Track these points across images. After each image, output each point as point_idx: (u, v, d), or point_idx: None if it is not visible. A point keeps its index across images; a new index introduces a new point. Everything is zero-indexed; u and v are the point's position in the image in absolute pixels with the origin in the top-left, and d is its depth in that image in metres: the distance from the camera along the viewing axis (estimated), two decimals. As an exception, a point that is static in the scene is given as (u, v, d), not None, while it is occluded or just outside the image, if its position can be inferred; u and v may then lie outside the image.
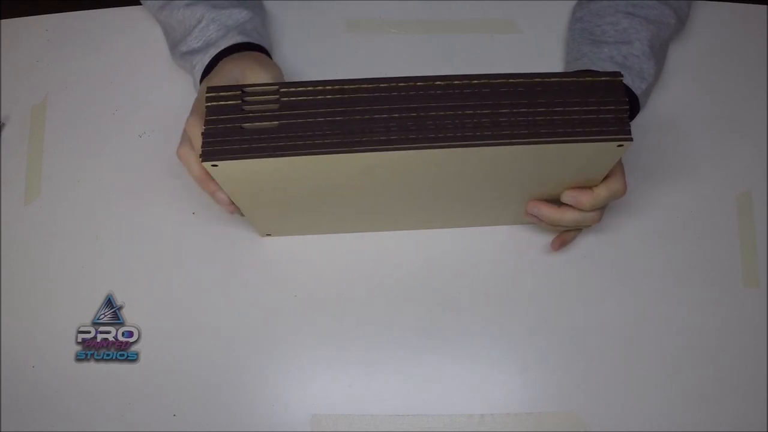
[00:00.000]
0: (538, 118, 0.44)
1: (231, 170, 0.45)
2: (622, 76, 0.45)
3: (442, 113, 0.44)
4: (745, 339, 0.58)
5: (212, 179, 0.50)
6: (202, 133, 0.44)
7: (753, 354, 0.58)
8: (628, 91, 0.56)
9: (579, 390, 0.57)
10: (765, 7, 0.69)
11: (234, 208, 0.54)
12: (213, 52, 0.56)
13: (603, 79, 0.45)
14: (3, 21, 0.69)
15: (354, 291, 0.60)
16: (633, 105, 0.57)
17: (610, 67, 0.57)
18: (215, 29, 0.58)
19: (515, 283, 0.60)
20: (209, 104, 0.45)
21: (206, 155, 0.43)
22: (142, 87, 0.66)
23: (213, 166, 0.44)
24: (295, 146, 0.43)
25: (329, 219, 0.58)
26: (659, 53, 0.60)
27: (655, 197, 0.62)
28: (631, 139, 0.44)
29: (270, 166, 0.44)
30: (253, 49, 0.57)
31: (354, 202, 0.53)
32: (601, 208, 0.54)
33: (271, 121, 0.44)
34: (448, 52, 0.67)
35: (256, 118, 0.44)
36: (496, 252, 0.61)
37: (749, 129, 0.65)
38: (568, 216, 0.53)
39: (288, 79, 0.53)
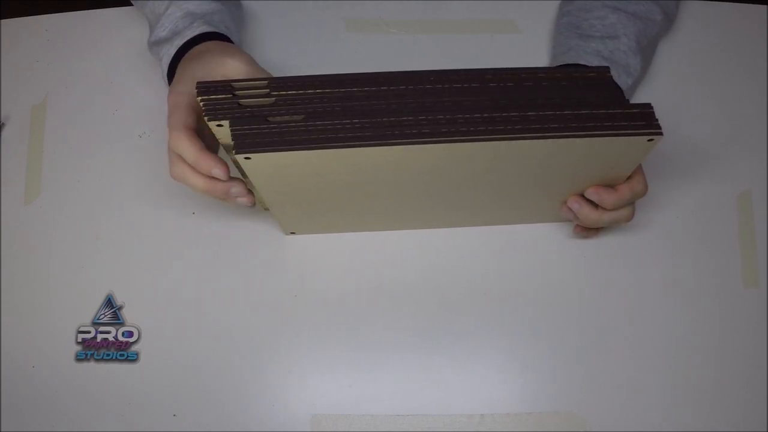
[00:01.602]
0: (566, 112, 0.44)
1: (263, 163, 0.45)
2: (609, 71, 0.46)
3: (452, 108, 0.44)
4: (745, 339, 0.58)
5: (218, 181, 0.49)
6: (231, 127, 0.44)
7: (753, 354, 0.58)
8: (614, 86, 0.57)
9: (579, 390, 0.57)
10: (765, 7, 0.69)
11: (253, 198, 0.52)
12: (178, 42, 0.55)
13: (590, 75, 0.45)
14: (3, 21, 0.69)
15: (354, 291, 0.60)
16: None
17: (596, 61, 0.57)
18: (181, 17, 0.57)
19: (515, 283, 0.60)
20: (203, 99, 0.45)
21: (239, 147, 0.43)
22: (142, 87, 0.66)
23: (246, 158, 0.44)
24: (327, 139, 0.43)
25: (354, 217, 0.58)
26: (646, 50, 0.61)
27: (655, 197, 0.62)
28: (661, 134, 0.44)
29: (302, 159, 0.44)
30: (220, 39, 0.56)
31: (381, 198, 0.53)
32: (632, 207, 0.54)
33: (297, 114, 0.44)
34: (448, 52, 0.67)
35: (274, 112, 0.44)
36: (496, 252, 0.61)
37: (749, 129, 0.65)
38: (605, 217, 0.54)
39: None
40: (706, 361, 0.57)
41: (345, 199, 0.53)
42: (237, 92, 0.45)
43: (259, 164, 0.45)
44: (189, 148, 0.48)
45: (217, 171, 0.48)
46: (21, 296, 0.60)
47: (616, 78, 0.57)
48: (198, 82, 0.45)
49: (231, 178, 0.49)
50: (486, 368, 0.58)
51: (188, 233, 0.61)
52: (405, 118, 0.44)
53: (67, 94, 0.67)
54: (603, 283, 0.60)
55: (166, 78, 0.57)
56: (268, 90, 0.45)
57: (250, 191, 0.51)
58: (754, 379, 0.57)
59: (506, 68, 0.45)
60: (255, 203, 0.52)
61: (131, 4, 0.66)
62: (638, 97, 0.64)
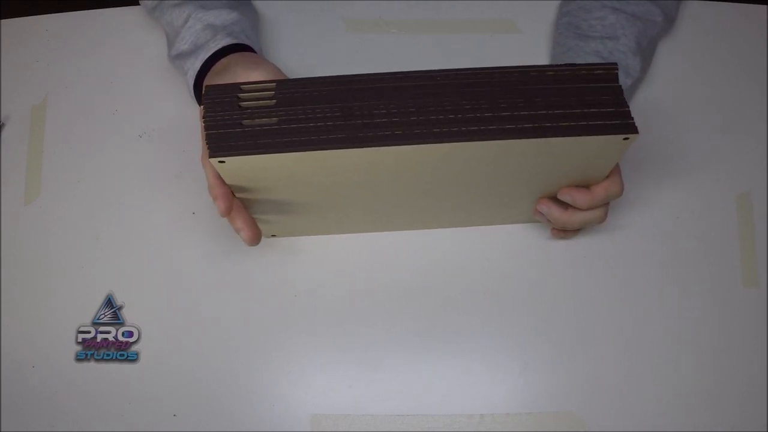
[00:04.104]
0: (540, 111, 0.44)
1: (238, 167, 0.45)
2: (617, 68, 0.45)
3: (446, 108, 0.44)
4: (745, 339, 0.58)
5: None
6: (205, 131, 0.44)
7: (753, 354, 0.58)
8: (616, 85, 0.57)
9: (579, 390, 0.57)
10: (765, 7, 0.69)
11: (253, 235, 0.52)
12: (203, 56, 0.56)
13: (598, 71, 0.45)
14: (3, 21, 0.69)
15: (354, 291, 0.60)
16: None
17: (595, 62, 0.57)
18: (202, 29, 0.57)
19: (515, 283, 0.60)
20: (206, 101, 0.45)
21: (213, 151, 0.44)
22: (142, 87, 0.66)
23: (220, 162, 0.44)
24: (300, 142, 0.43)
25: (334, 219, 0.58)
26: (646, 51, 0.61)
27: (655, 197, 0.62)
28: (637, 132, 0.44)
29: (276, 162, 0.44)
30: (243, 50, 0.56)
31: (359, 200, 0.53)
32: (605, 208, 0.54)
33: (270, 118, 0.44)
34: (448, 52, 0.67)
35: (255, 115, 0.44)
36: (496, 252, 0.61)
37: (749, 129, 0.65)
38: (575, 218, 0.53)
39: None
40: (706, 361, 0.57)
41: (324, 201, 0.53)
42: (241, 94, 0.45)
43: (232, 167, 0.45)
44: (208, 173, 0.49)
45: (218, 204, 0.49)
46: (21, 296, 0.60)
47: None
48: (206, 85, 0.46)
49: (236, 215, 0.51)
50: (486, 368, 0.58)
51: (188, 233, 0.61)
52: (379, 120, 0.43)
53: (67, 94, 0.67)
54: (603, 283, 0.60)
55: (192, 92, 0.58)
56: (274, 92, 0.45)
57: (254, 225, 0.52)
58: (754, 379, 0.57)
59: (503, 67, 0.45)
60: (256, 241, 0.53)
61: (131, 4, 0.66)
62: (638, 97, 0.64)
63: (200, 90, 0.56)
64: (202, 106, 0.52)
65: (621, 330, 0.58)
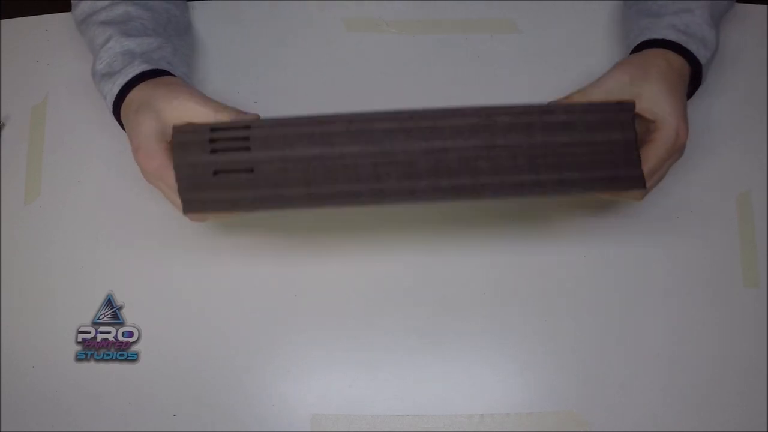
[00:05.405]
0: (542, 176, 0.42)
1: (215, 218, 0.45)
2: (633, 107, 0.44)
3: (439, 157, 0.41)
4: (745, 339, 0.58)
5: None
6: (178, 184, 0.44)
7: (753, 354, 0.58)
8: (694, 60, 0.55)
9: (579, 390, 0.57)
10: (765, 7, 0.69)
11: None
12: (120, 81, 0.55)
13: (613, 113, 0.44)
14: (3, 21, 0.69)
15: (354, 291, 0.60)
16: (696, 76, 0.56)
17: (672, 35, 0.56)
18: (120, 53, 0.56)
19: (515, 282, 0.60)
20: (176, 150, 0.44)
21: (188, 205, 0.43)
22: (142, 87, 0.66)
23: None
24: (276, 197, 0.42)
25: (326, 221, 0.58)
26: (718, 26, 0.59)
27: (655, 197, 0.62)
28: (645, 187, 0.43)
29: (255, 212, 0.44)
30: (161, 75, 0.55)
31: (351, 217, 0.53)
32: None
33: (247, 170, 0.43)
34: (448, 52, 0.67)
35: (229, 165, 0.42)
36: (496, 252, 0.61)
37: (749, 129, 0.65)
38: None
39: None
40: (706, 361, 0.57)
41: (313, 218, 0.52)
42: (213, 135, 0.44)
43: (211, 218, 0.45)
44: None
45: None
46: (21, 296, 0.60)
47: (695, 51, 0.55)
48: (174, 127, 0.45)
49: None
50: (486, 368, 0.58)
51: (188, 233, 0.61)
52: (362, 171, 0.41)
53: (67, 94, 0.66)
54: (603, 283, 0.60)
55: (112, 114, 0.57)
56: (248, 134, 0.43)
57: None
58: (754, 379, 0.57)
59: (506, 107, 0.42)
60: None
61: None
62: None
63: (119, 114, 0.56)
64: (145, 154, 0.51)
65: (621, 330, 0.58)
